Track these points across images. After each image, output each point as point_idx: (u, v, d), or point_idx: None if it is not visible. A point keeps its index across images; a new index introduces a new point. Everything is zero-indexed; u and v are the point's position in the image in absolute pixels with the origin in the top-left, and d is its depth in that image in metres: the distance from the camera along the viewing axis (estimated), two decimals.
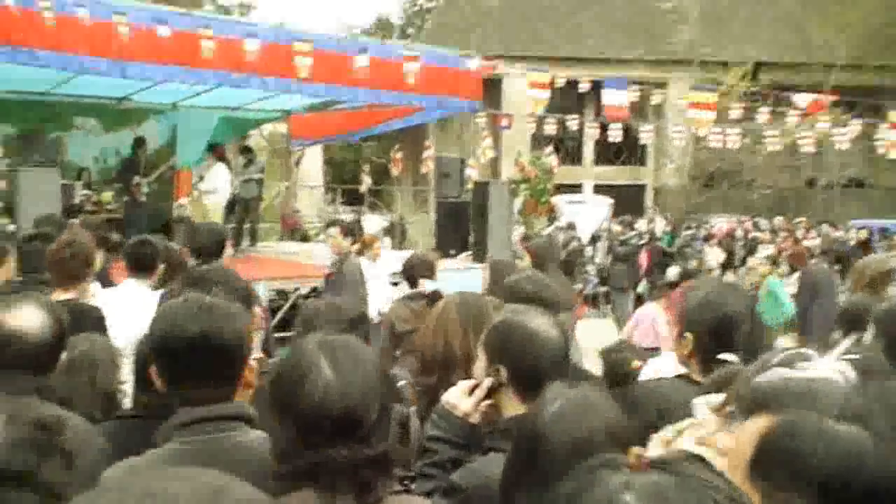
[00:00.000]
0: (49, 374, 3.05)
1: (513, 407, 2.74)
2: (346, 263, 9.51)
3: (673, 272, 13.60)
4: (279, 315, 12.86)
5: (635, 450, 1.42)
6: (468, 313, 3.54)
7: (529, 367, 2.75)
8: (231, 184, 16.74)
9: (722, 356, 3.43)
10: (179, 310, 2.45)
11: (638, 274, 17.47)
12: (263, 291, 12.58)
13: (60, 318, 3.09)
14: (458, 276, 14.65)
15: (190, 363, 2.40)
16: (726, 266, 20.67)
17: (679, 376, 3.55)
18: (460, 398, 2.84)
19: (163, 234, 16.52)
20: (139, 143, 16.96)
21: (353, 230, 10.14)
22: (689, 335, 3.52)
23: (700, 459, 1.34)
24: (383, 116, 18.53)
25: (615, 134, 16.39)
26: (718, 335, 3.48)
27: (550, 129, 17.16)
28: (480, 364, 2.86)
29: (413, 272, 7.76)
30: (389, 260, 11.86)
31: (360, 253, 11.37)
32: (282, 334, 12.77)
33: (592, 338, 15.00)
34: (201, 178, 16.01)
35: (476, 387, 2.82)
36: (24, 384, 2.93)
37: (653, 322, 12.16)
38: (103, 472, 2.43)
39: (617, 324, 15.97)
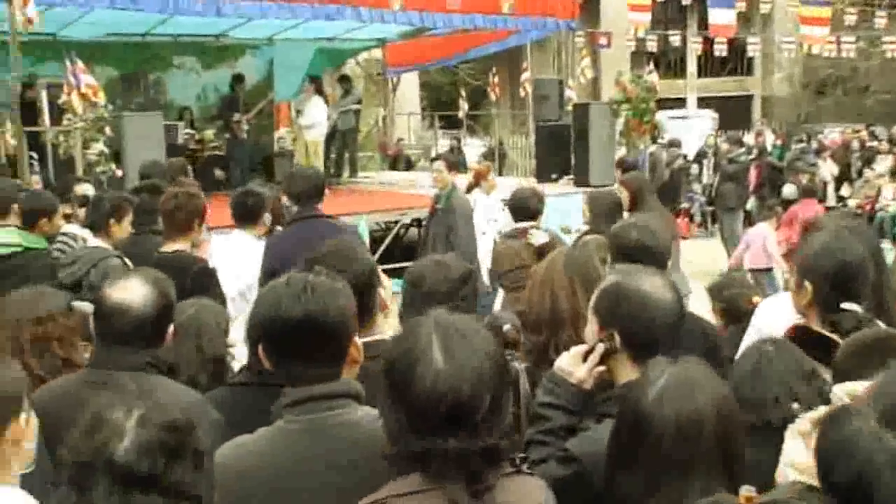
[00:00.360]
0: (159, 347, 3.08)
1: (626, 373, 2.64)
2: (454, 198, 9.41)
3: (790, 190, 13.26)
4: (382, 247, 12.94)
5: (745, 490, 1.35)
6: (576, 270, 3.44)
7: (643, 331, 2.64)
8: (328, 116, 16.74)
9: (845, 305, 3.28)
10: (282, 292, 2.41)
11: (747, 192, 16.98)
12: (365, 225, 12.65)
13: (166, 291, 3.11)
14: (559, 202, 14.53)
15: (295, 344, 2.37)
16: (841, 180, 20.02)
17: (797, 327, 3.39)
18: (573, 364, 2.75)
19: (264, 170, 16.84)
20: (238, 79, 17.07)
21: (457, 163, 10.01)
22: (807, 284, 3.35)
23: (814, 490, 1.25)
24: (479, 40, 18.31)
25: (721, 48, 15.86)
26: (839, 284, 3.30)
27: (652, 45, 16.72)
28: (591, 328, 2.77)
29: (519, 205, 7.57)
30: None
31: (475, 185, 11.29)
32: (385, 266, 12.88)
33: (700, 260, 14.80)
34: (299, 113, 16.02)
35: (589, 352, 2.73)
36: (135, 359, 2.97)
37: (764, 242, 11.90)
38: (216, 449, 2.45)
39: (725, 244, 15.61)
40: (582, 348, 2.77)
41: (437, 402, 1.98)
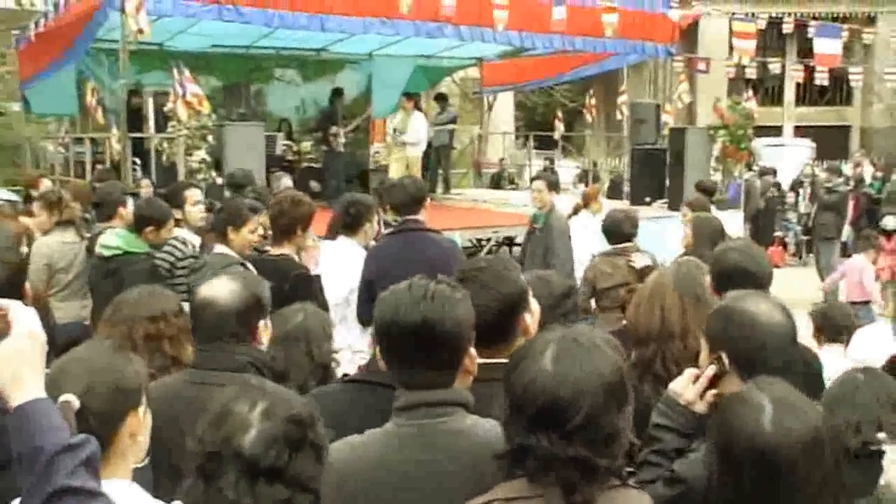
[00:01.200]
0: (250, 343, 3.15)
1: None
2: (553, 218, 9.44)
3: (890, 221, 12.95)
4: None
5: None
6: (685, 285, 3.45)
7: (751, 352, 2.66)
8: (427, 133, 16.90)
9: None
10: (402, 296, 2.45)
11: (844, 222, 16.65)
12: (459, 240, 12.71)
13: (254, 288, 3.20)
14: (654, 226, 14.42)
15: (410, 349, 2.42)
16: None
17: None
18: (685, 386, 2.77)
19: (359, 183, 17.03)
20: (337, 93, 17.29)
21: (556, 183, 10.01)
22: None
23: None
24: (577, 62, 18.25)
25: (822, 76, 15.62)
26: None
27: (751, 72, 16.52)
28: (704, 353, 2.78)
29: (613, 229, 7.62)
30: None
31: (583, 206, 11.33)
32: None
33: (794, 290, 14.56)
34: (396, 130, 16.12)
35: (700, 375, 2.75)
36: (235, 359, 3.05)
37: (861, 275, 11.70)
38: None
39: (820, 275, 15.34)
40: (694, 371, 2.79)
41: (534, 398, 2.06)
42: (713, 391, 2.71)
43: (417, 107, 16.65)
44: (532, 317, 2.94)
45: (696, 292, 3.46)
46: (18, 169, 18.20)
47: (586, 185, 17.02)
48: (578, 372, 2.08)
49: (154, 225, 6.31)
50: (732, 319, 2.72)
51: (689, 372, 2.80)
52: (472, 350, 2.48)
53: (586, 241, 9.59)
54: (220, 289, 3.11)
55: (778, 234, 19.26)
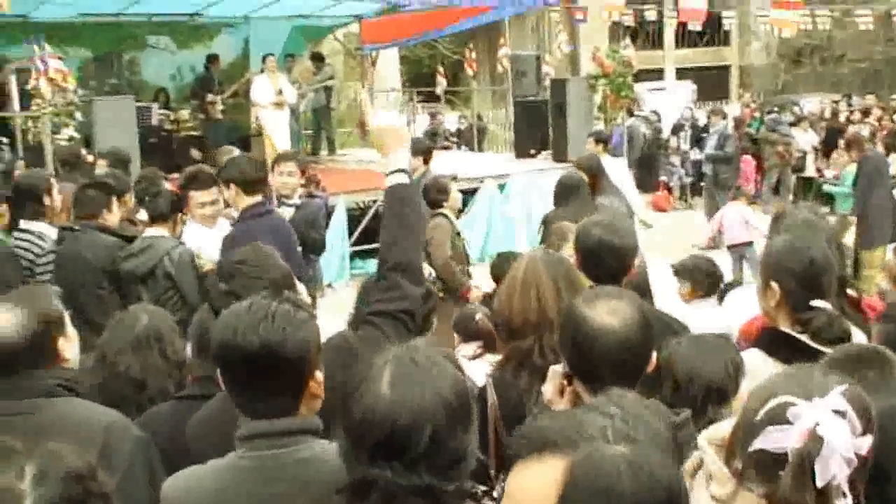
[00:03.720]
0: (54, 363, 2.96)
1: (588, 399, 2.56)
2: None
3: None
4: (359, 229, 12.86)
5: None
6: (558, 272, 3.36)
7: (581, 359, 2.58)
8: (304, 94, 16.63)
9: (815, 303, 3.25)
10: (241, 317, 2.31)
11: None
12: (342, 205, 12.58)
13: (42, 312, 2.94)
14: (539, 178, 14.49)
15: (251, 375, 2.28)
16: (827, 150, 19.89)
17: (765, 330, 3.37)
18: (546, 385, 2.70)
19: (242, 148, 16.68)
20: (211, 59, 16.92)
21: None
22: (775, 285, 3.32)
23: None
24: (456, 16, 18.13)
25: (695, 24, 15.80)
26: (808, 282, 3.27)
27: (628, 19, 16.64)
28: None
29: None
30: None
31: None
32: (360, 247, 12.87)
33: (682, 235, 14.82)
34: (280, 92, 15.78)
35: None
36: (40, 384, 2.87)
37: (742, 216, 11.97)
38: (165, 482, 2.40)
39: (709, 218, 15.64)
40: (555, 368, 2.70)
41: (372, 428, 1.94)
42: (570, 388, 2.61)
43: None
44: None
45: (568, 275, 3.39)
46: None
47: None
48: (419, 393, 1.96)
49: None
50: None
51: (552, 369, 2.71)
52: (319, 373, 2.36)
53: None
54: (4, 323, 2.84)
55: (662, 178, 19.49)
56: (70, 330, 3.07)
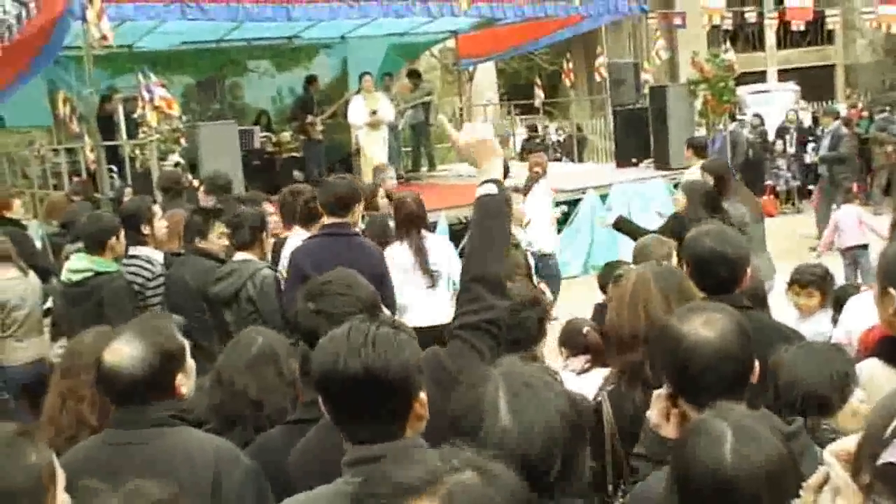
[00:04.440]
0: (168, 397, 2.98)
1: (693, 417, 2.47)
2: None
3: None
4: (462, 244, 12.81)
5: None
6: (669, 285, 3.28)
7: (679, 376, 2.49)
8: (401, 112, 16.72)
9: None
10: (340, 343, 2.26)
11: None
12: (444, 220, 12.57)
13: (164, 346, 2.97)
14: (641, 188, 14.30)
15: (354, 401, 2.24)
16: None
17: (883, 339, 3.21)
18: (651, 409, 2.61)
19: (343, 168, 16.88)
20: (310, 80, 17.15)
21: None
22: (893, 291, 3.15)
23: None
24: (552, 27, 18.07)
25: (798, 23, 15.42)
26: None
27: (728, 22, 16.32)
28: None
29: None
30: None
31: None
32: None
33: (792, 239, 14.44)
34: (374, 112, 15.94)
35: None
36: (154, 415, 2.90)
37: (858, 217, 11.61)
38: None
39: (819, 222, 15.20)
40: (658, 392, 2.62)
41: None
42: (675, 411, 2.52)
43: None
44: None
45: (680, 288, 3.30)
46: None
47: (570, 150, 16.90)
48: (544, 416, 1.90)
49: (111, 238, 6.09)
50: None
51: (655, 393, 2.62)
52: (422, 394, 2.29)
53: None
54: (125, 356, 2.88)
55: (769, 182, 19.02)
56: (189, 364, 3.08)
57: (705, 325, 2.48)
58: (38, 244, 9.04)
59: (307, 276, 5.78)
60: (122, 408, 2.92)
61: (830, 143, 15.49)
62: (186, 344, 3.13)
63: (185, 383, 3.05)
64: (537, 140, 23.25)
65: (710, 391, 2.34)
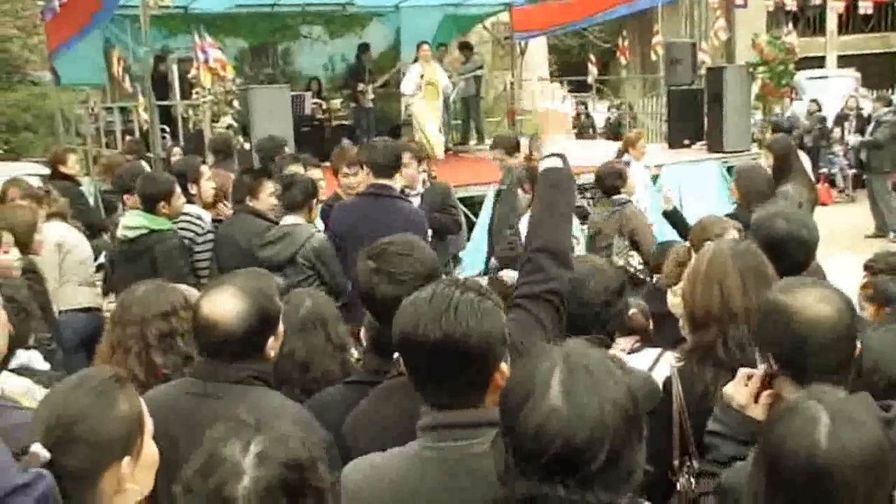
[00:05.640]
0: (258, 359, 2.94)
1: (792, 397, 2.38)
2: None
3: None
4: (490, 215, 12.72)
5: None
6: (747, 264, 3.18)
7: (792, 353, 2.40)
8: (453, 83, 16.61)
9: None
10: (422, 308, 2.21)
11: None
12: (491, 194, 12.47)
13: (264, 306, 2.93)
14: (693, 170, 14.10)
15: (434, 367, 2.19)
16: None
17: None
18: (738, 389, 2.54)
19: (392, 137, 16.82)
20: (363, 48, 17.12)
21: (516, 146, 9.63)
22: None
23: None
24: (608, 3, 17.79)
25: (865, 5, 15.09)
26: None
27: (791, 3, 16.01)
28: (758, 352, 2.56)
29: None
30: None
31: (624, 151, 11.05)
32: None
33: (844, 229, 14.20)
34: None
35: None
36: (237, 371, 2.87)
37: None
38: (344, 470, 2.33)
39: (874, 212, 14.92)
40: (746, 371, 2.55)
41: (546, 443, 1.76)
42: (768, 392, 2.46)
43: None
44: None
45: (758, 268, 3.19)
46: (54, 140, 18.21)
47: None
48: (598, 403, 1.78)
49: (164, 199, 6.09)
50: (770, 316, 2.45)
51: (742, 372, 2.55)
52: (504, 365, 2.21)
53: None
54: (226, 309, 2.84)
55: (824, 170, 18.72)
56: (280, 329, 3.05)
57: (822, 300, 2.41)
58: (91, 201, 9.09)
59: (336, 234, 5.93)
60: (209, 359, 2.90)
61: (872, 129, 15.24)
62: (282, 307, 3.10)
63: (275, 346, 3.02)
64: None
65: (821, 370, 2.26)
